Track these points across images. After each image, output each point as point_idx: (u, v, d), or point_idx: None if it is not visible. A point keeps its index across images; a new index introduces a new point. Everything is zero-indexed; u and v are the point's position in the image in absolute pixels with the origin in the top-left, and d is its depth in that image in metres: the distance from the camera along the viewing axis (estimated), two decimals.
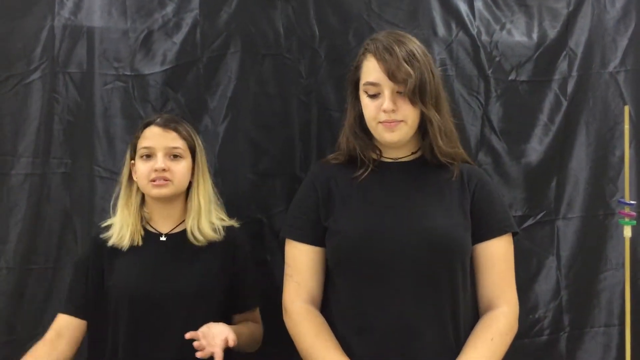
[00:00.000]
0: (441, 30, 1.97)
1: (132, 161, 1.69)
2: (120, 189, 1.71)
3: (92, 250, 1.69)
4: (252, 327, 1.74)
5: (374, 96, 1.50)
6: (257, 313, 1.79)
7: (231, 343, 1.50)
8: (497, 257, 1.53)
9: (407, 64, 1.45)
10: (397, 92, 1.47)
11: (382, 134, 1.51)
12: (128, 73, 1.91)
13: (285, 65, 1.95)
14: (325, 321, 1.54)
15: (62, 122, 1.91)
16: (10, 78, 1.89)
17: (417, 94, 1.45)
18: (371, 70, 1.49)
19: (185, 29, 1.93)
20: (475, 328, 1.51)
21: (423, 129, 1.53)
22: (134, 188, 1.70)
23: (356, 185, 1.55)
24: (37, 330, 1.87)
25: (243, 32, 1.93)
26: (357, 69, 1.55)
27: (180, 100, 1.92)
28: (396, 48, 1.47)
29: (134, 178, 1.69)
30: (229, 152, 1.93)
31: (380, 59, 1.47)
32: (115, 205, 1.71)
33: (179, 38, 1.93)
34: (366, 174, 1.55)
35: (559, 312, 2.00)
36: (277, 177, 1.95)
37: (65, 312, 1.68)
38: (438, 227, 1.48)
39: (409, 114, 1.48)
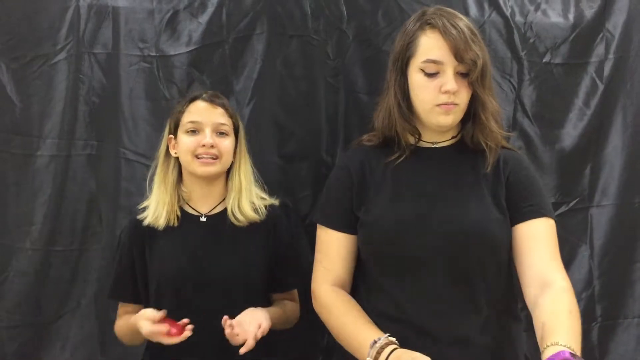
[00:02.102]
0: (473, 10, 1.92)
1: (171, 136, 1.66)
2: (156, 165, 1.69)
3: (132, 234, 1.67)
4: (289, 306, 1.72)
5: (431, 75, 1.41)
6: (295, 292, 1.76)
7: (260, 334, 1.48)
8: (540, 235, 1.43)
9: (473, 44, 1.37)
10: (458, 72, 1.39)
11: (437, 117, 1.42)
12: (153, 54, 1.89)
13: (313, 46, 1.91)
14: (353, 299, 1.50)
15: (88, 103, 1.90)
16: (36, 59, 1.88)
17: (480, 77, 1.38)
18: (433, 47, 1.39)
19: (210, 9, 1.90)
20: (544, 307, 1.34)
21: (468, 112, 1.46)
22: (171, 164, 1.67)
23: (390, 172, 1.49)
24: (61, 311, 1.90)
25: (269, 13, 1.90)
26: (410, 44, 1.44)
27: (205, 81, 1.90)
28: (461, 25, 1.38)
29: (172, 153, 1.66)
30: (254, 134, 1.89)
31: (448, 36, 1.37)
32: (151, 182, 1.69)
33: (204, 18, 1.90)
34: (401, 159, 1.50)
35: (591, 302, 1.95)
36: (303, 161, 1.92)
37: (125, 301, 1.69)
38: (470, 221, 1.41)
39: (464, 97, 1.41)
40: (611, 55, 1.95)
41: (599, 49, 1.94)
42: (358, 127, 1.90)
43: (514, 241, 1.45)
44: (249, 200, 1.66)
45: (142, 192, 1.78)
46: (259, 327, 1.50)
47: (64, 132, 1.89)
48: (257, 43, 1.91)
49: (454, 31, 1.37)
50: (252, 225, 1.65)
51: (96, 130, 1.91)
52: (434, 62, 1.40)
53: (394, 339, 1.37)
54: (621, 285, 1.96)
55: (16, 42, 1.87)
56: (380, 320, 1.45)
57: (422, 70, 1.42)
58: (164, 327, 1.48)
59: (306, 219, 1.92)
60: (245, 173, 1.68)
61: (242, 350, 1.46)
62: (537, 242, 1.43)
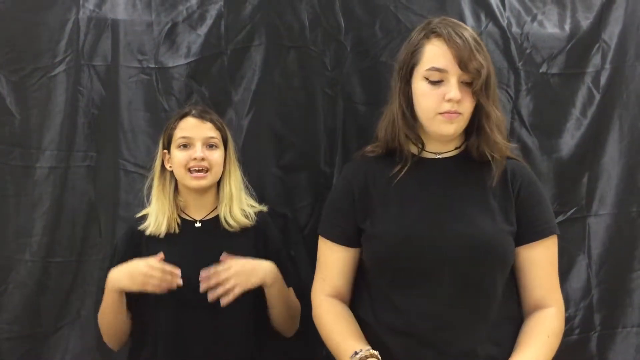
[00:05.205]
0: (470, 21, 1.92)
1: (165, 150, 1.73)
2: (152, 178, 1.75)
3: (129, 242, 1.72)
4: (291, 293, 1.76)
5: (435, 83, 1.41)
6: (292, 293, 1.77)
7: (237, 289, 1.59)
8: (542, 259, 1.46)
9: (478, 54, 1.37)
10: (461, 81, 1.40)
11: (440, 126, 1.42)
12: (152, 66, 1.91)
13: (311, 57, 1.92)
14: (348, 310, 1.52)
15: (87, 115, 1.91)
16: (36, 71, 1.89)
17: (484, 87, 1.38)
18: (438, 55, 1.40)
19: (209, 21, 1.91)
20: (527, 326, 1.45)
21: (471, 122, 1.45)
22: (167, 177, 1.74)
23: (394, 184, 1.49)
24: (61, 322, 1.90)
25: (268, 24, 1.91)
26: (415, 52, 1.44)
27: (204, 93, 1.91)
28: (466, 34, 1.38)
29: (167, 167, 1.74)
30: (253, 145, 1.91)
31: (452, 45, 1.37)
32: (149, 195, 1.74)
33: (203, 30, 1.91)
34: (404, 171, 1.49)
35: (589, 312, 1.95)
36: (302, 171, 1.93)
37: None
38: (480, 233, 1.41)
39: (468, 107, 1.41)
40: (607, 65, 1.95)
41: (596, 59, 1.95)
42: (356, 137, 1.91)
43: (516, 261, 1.47)
44: (239, 207, 1.74)
45: (141, 203, 1.78)
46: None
47: (63, 144, 1.90)
48: (255, 54, 1.92)
49: (458, 40, 1.38)
50: (244, 230, 1.73)
51: (95, 141, 1.92)
52: (438, 70, 1.40)
53: (375, 352, 1.38)
54: (619, 294, 1.96)
55: (16, 54, 1.88)
56: (385, 332, 1.44)
57: (426, 79, 1.42)
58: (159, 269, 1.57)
59: (305, 229, 1.92)
60: (235, 181, 1.76)
61: (224, 302, 1.59)
62: (537, 267, 1.47)
